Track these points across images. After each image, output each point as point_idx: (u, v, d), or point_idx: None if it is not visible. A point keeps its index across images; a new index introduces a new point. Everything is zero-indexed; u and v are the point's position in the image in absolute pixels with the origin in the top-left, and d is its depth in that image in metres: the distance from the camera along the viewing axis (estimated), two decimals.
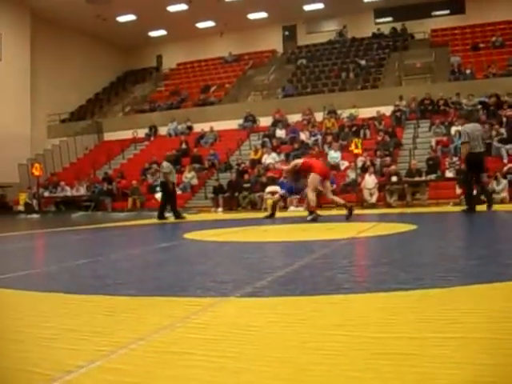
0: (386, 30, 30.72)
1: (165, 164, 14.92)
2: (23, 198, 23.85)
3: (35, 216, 20.45)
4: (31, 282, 4.38)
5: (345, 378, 1.77)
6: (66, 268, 5.14)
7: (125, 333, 2.47)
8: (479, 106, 20.65)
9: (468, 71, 23.48)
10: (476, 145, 11.09)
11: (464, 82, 22.88)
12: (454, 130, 19.57)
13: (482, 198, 12.00)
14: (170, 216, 14.71)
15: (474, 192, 11.65)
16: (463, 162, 12.20)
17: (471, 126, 11.40)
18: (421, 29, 29.85)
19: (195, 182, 22.00)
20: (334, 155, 20.19)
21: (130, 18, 31.94)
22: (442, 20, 30.08)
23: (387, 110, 22.76)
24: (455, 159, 17.75)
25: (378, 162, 18.77)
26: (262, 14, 32.48)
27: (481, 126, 12.29)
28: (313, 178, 11.16)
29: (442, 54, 26.04)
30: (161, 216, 14.25)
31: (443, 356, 1.94)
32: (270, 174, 19.77)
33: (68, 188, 23.67)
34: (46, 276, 4.74)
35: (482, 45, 25.99)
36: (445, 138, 19.68)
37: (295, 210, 16.44)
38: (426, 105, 22.31)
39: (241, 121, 26.27)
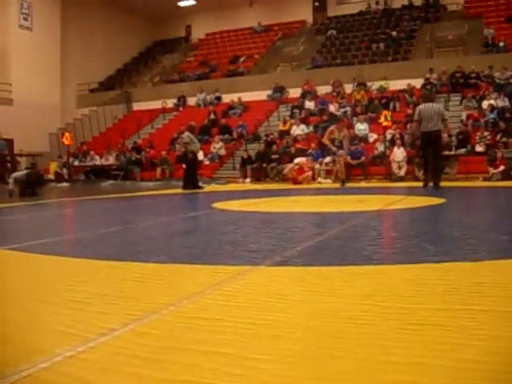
0: (417, 1, 30.16)
1: (185, 134, 14.95)
2: (54, 166, 24.07)
3: (65, 185, 20.68)
4: (64, 248, 4.46)
5: (374, 346, 1.79)
6: (97, 235, 5.21)
7: (156, 298, 2.52)
8: None
9: (502, 44, 22.92)
10: (426, 124, 11.64)
11: (497, 55, 22.39)
12: (485, 104, 19.27)
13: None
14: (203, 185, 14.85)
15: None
16: (415, 139, 13.63)
17: (424, 106, 11.98)
18: (454, 0, 29.25)
19: (223, 152, 22.03)
20: (360, 127, 20.06)
21: None
22: None
23: (418, 83, 22.41)
24: (486, 134, 17.53)
25: (407, 134, 18.58)
26: None
27: (438, 105, 12.50)
28: None
29: (475, 25, 25.45)
30: (185, 186, 14.31)
31: (471, 328, 1.95)
32: (298, 145, 19.69)
33: (97, 157, 23.85)
34: (78, 242, 4.82)
35: None
36: (476, 112, 19.38)
37: (324, 182, 16.40)
38: (457, 78, 21.93)
39: (270, 92, 26.10)
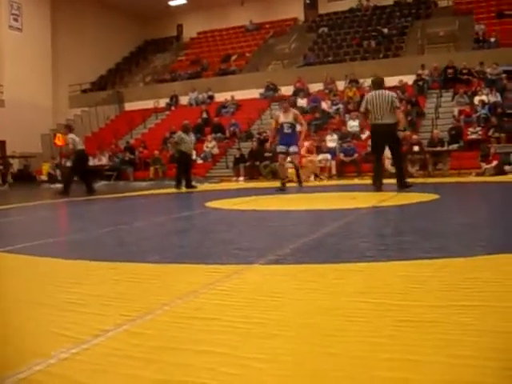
0: None
1: (177, 134, 15.00)
2: (46, 168, 24.04)
3: (58, 185, 20.58)
4: (58, 249, 4.44)
5: (369, 344, 1.79)
6: (91, 236, 5.20)
7: (150, 299, 2.51)
8: (504, 75, 20.33)
9: (492, 39, 23.00)
10: (376, 116, 9.49)
11: (488, 51, 22.45)
12: (477, 99, 19.33)
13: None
14: (196, 185, 14.83)
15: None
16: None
17: (374, 94, 9.65)
18: None
19: (216, 151, 22.03)
20: (353, 124, 20.13)
21: None
22: None
23: (409, 79, 22.46)
24: (478, 129, 17.59)
25: None
26: None
27: (390, 93, 9.93)
28: None
29: (465, 22, 25.52)
30: (178, 185, 14.28)
31: (466, 324, 1.95)
32: None
33: (90, 158, 23.76)
34: (72, 244, 4.80)
35: (507, 12, 25.39)
36: (468, 108, 19.44)
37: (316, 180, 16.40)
38: (448, 74, 21.98)
39: (262, 90, 26.12)
